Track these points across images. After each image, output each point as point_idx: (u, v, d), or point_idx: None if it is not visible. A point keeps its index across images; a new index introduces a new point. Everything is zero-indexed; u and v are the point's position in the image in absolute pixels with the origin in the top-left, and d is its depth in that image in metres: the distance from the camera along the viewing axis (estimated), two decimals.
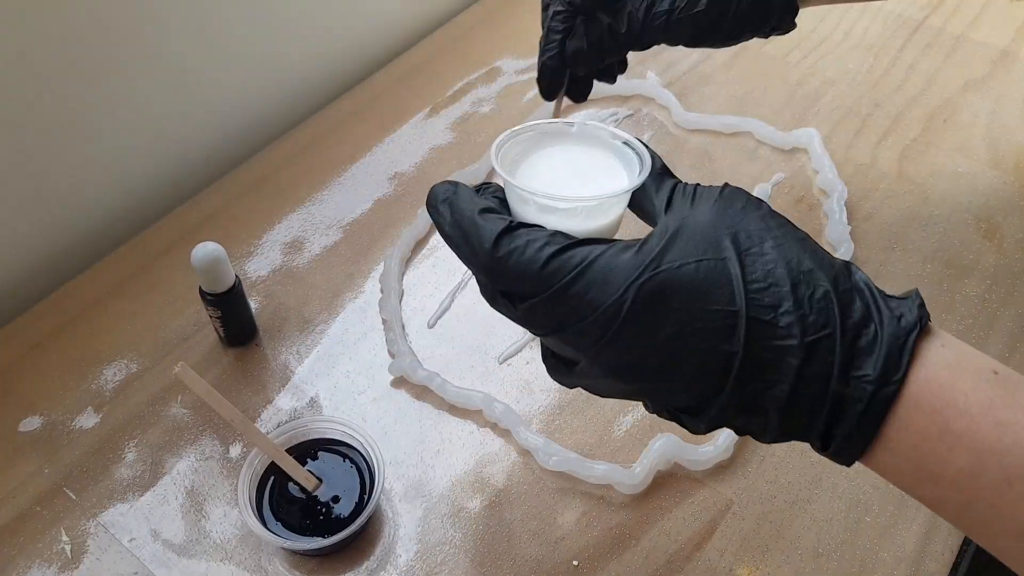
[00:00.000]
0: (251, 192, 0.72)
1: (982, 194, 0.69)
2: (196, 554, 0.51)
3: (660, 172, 0.36)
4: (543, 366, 0.59)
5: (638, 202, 0.37)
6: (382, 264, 0.65)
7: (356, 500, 0.50)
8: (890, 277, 0.64)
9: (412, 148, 0.75)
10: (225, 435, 0.56)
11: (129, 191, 0.70)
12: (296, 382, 0.59)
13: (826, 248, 0.65)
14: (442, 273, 0.65)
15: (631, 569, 0.50)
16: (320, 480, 0.51)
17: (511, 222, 0.34)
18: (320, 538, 0.48)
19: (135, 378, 0.59)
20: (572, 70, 0.56)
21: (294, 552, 0.50)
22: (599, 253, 0.33)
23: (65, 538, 0.51)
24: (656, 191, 0.36)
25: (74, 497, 0.53)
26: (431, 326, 0.62)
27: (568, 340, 0.34)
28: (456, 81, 0.81)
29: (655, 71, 0.81)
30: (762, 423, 0.33)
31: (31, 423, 0.57)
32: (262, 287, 0.65)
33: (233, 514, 0.52)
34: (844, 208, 0.67)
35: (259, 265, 0.66)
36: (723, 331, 0.31)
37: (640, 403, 0.37)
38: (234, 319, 0.59)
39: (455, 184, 0.37)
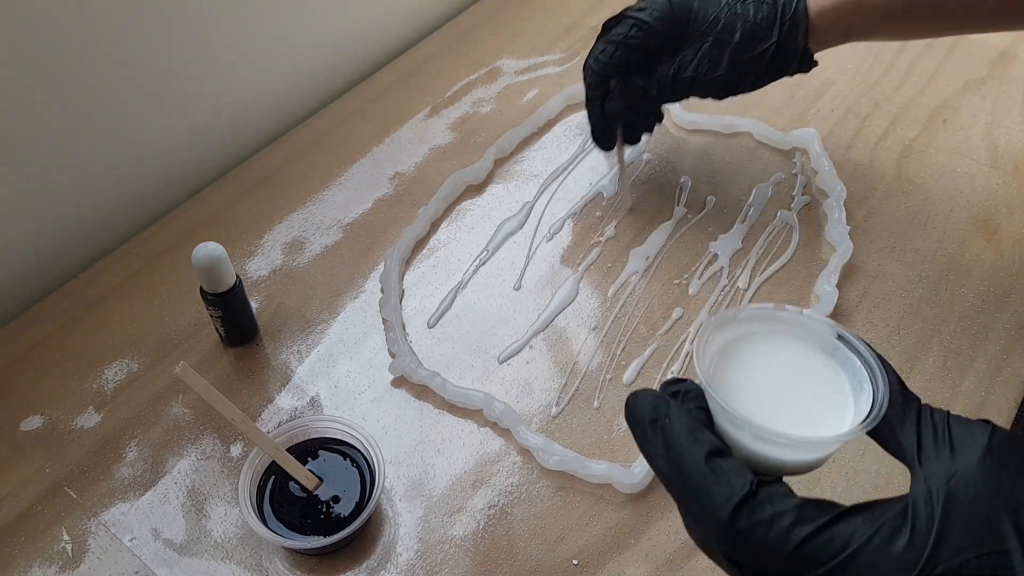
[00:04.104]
0: (251, 192, 0.72)
1: (981, 194, 0.69)
2: (197, 553, 0.51)
3: (897, 391, 0.32)
4: (543, 366, 0.59)
5: (877, 430, 0.32)
6: (382, 264, 0.65)
7: (356, 499, 0.50)
8: (889, 277, 0.64)
9: (412, 148, 0.75)
10: (226, 434, 0.56)
11: (129, 191, 0.70)
12: (296, 382, 0.59)
13: (826, 248, 0.65)
14: (442, 273, 0.65)
15: (631, 568, 0.50)
16: (320, 479, 0.51)
17: (752, 484, 0.29)
18: (320, 537, 0.48)
19: (136, 377, 0.59)
20: (613, 126, 0.64)
21: (294, 551, 0.50)
22: (864, 541, 0.28)
23: (66, 537, 0.51)
24: (900, 423, 0.31)
25: (75, 496, 0.53)
26: (431, 326, 0.62)
27: None
28: (456, 81, 0.81)
29: None
30: None
31: (32, 422, 0.57)
32: (263, 287, 0.65)
33: (234, 513, 0.52)
34: (843, 208, 0.67)
35: (260, 265, 0.66)
36: None
37: None
38: (235, 319, 0.59)
39: (666, 403, 0.32)
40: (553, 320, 0.62)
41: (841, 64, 0.82)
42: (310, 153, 0.75)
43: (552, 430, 0.56)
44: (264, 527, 0.48)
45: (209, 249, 0.54)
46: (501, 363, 0.60)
